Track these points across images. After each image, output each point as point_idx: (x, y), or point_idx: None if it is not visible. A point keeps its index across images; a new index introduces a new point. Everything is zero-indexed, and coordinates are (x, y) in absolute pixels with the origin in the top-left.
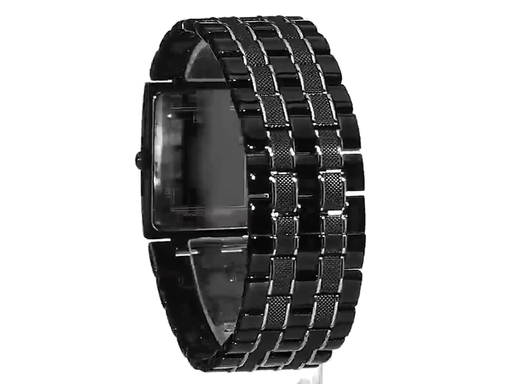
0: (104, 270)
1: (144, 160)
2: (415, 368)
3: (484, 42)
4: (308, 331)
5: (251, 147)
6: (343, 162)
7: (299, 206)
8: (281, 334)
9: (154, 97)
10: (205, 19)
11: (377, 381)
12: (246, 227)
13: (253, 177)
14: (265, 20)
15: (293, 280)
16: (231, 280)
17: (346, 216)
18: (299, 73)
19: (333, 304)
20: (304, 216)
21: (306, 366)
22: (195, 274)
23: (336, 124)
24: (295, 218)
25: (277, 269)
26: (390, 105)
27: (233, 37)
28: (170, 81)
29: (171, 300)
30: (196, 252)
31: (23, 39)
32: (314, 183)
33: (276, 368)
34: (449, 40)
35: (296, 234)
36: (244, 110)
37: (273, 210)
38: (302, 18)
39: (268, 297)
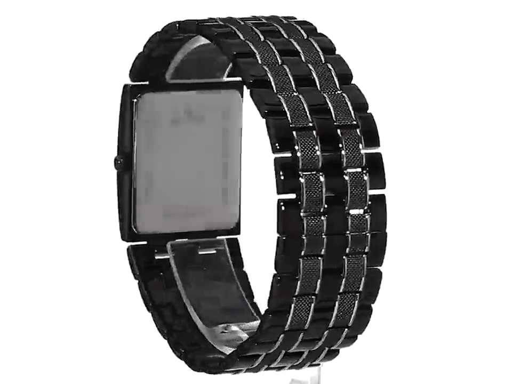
0: (82, 276)
1: (125, 162)
2: (414, 368)
3: (483, 39)
4: (327, 330)
5: (279, 147)
6: (364, 161)
7: (326, 205)
8: (301, 334)
9: (136, 99)
10: (204, 20)
11: (375, 381)
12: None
13: (282, 177)
14: (263, 20)
15: (319, 280)
16: (209, 282)
17: (370, 214)
18: (313, 73)
19: (353, 302)
20: (330, 215)
21: (310, 365)
22: (177, 277)
23: (355, 122)
24: (322, 218)
25: (305, 268)
26: (386, 103)
27: (242, 37)
28: (142, 83)
29: (156, 303)
30: (174, 254)
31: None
32: (340, 183)
33: (281, 368)
34: (441, 34)
35: (323, 234)
36: (268, 111)
37: (302, 210)
38: (296, 18)
39: (294, 297)
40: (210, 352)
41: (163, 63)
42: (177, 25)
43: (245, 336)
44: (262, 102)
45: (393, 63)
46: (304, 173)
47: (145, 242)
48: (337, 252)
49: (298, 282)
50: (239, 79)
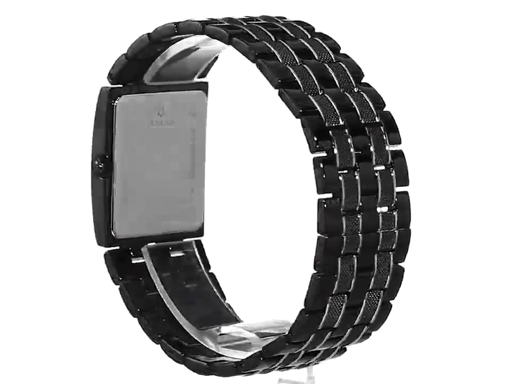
0: (62, 287)
1: (106, 167)
2: (407, 371)
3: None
4: (350, 328)
5: (318, 146)
6: (390, 158)
7: (360, 203)
8: (329, 333)
9: (116, 102)
10: (208, 20)
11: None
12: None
13: (324, 176)
14: (261, 20)
15: (353, 278)
16: (187, 284)
17: (397, 211)
18: (331, 72)
19: (378, 299)
20: (365, 213)
21: (314, 364)
22: (156, 281)
23: (378, 120)
24: (358, 216)
25: (342, 267)
26: None
27: (256, 38)
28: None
29: (139, 308)
30: (151, 258)
31: None
32: (373, 180)
33: (289, 368)
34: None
35: (359, 232)
36: (302, 111)
37: (342, 209)
38: (286, 18)
39: (331, 296)
40: (208, 355)
41: (145, 65)
42: (175, 26)
43: (253, 336)
44: (294, 102)
45: (380, 61)
46: (342, 172)
47: (120, 247)
48: (370, 249)
49: (336, 281)
50: (204, 80)
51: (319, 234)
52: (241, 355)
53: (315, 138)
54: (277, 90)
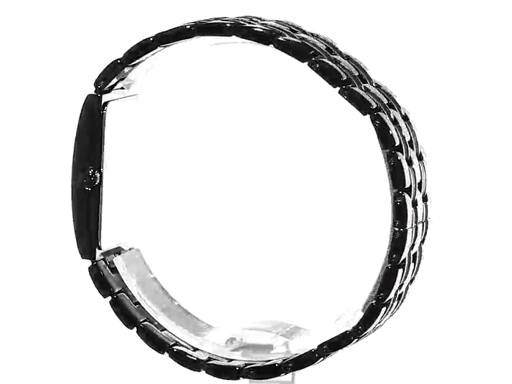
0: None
1: (96, 178)
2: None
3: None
4: (385, 319)
5: (392, 140)
6: (419, 151)
7: (416, 196)
8: (373, 326)
9: (105, 110)
10: (228, 21)
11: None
12: None
13: (401, 170)
14: (259, 20)
15: (405, 270)
16: (154, 291)
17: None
18: (357, 68)
19: (406, 292)
20: (419, 205)
21: None
22: (138, 290)
23: (404, 114)
24: (417, 208)
25: (408, 259)
26: None
27: (288, 38)
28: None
29: (131, 320)
30: (126, 268)
31: None
32: (421, 172)
33: None
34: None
35: (415, 223)
36: (371, 108)
37: (410, 202)
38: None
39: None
40: (219, 359)
41: (129, 70)
42: (191, 28)
43: (276, 336)
44: (360, 99)
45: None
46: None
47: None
48: (418, 240)
49: (402, 274)
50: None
51: (396, 229)
52: (262, 357)
53: (389, 134)
54: (337, 88)
